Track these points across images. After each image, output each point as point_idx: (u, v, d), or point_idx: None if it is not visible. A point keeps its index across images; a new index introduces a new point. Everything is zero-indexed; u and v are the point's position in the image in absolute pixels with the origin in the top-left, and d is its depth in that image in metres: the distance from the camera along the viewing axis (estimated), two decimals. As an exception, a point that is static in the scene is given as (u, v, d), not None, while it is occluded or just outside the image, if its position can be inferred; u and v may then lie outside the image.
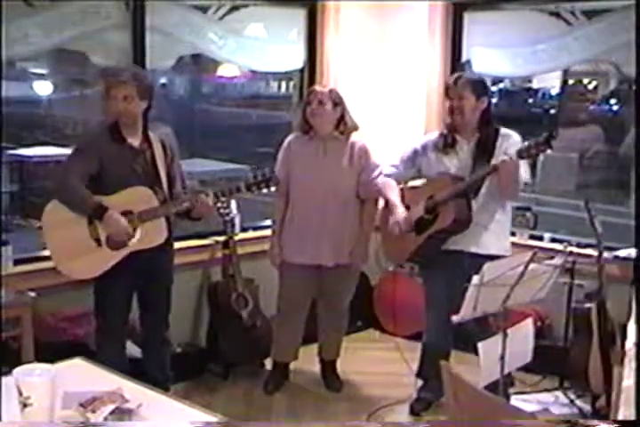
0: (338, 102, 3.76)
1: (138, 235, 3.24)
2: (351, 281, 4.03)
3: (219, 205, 3.72)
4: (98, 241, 3.25)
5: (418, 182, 3.74)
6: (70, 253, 3.25)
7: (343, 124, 3.79)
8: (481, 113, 3.50)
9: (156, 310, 3.54)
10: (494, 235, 3.55)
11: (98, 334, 3.48)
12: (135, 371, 3.16)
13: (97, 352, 3.43)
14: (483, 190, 3.47)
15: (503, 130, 3.55)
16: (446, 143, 3.54)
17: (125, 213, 3.22)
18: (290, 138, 3.91)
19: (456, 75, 3.61)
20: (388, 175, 3.72)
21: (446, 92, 3.52)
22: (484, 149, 3.48)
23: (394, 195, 3.66)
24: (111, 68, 3.43)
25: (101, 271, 3.25)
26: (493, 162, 3.39)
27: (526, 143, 3.21)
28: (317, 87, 3.89)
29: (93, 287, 3.39)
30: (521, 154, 3.19)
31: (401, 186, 3.71)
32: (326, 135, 3.80)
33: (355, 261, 3.91)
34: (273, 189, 3.46)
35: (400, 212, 3.56)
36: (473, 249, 3.50)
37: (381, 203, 3.86)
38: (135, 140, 3.33)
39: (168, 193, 3.38)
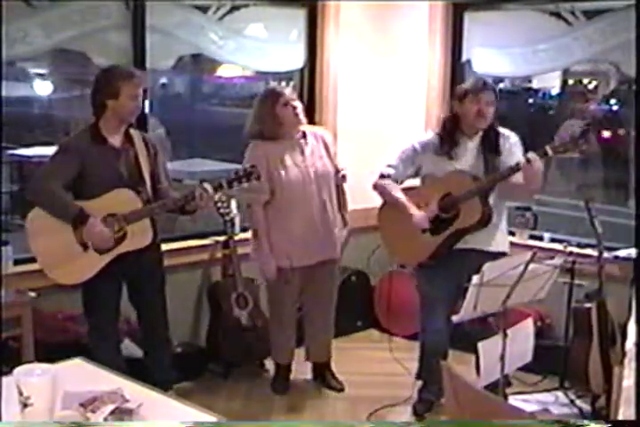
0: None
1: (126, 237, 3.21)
2: (336, 278, 4.07)
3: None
4: (84, 245, 3.21)
5: (414, 182, 3.71)
6: (57, 259, 3.21)
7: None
8: None
9: (151, 311, 3.51)
10: (502, 232, 3.62)
11: (90, 336, 3.45)
12: (136, 371, 3.17)
13: (91, 353, 3.41)
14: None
15: (501, 129, 3.56)
16: (450, 145, 3.52)
17: (110, 216, 3.18)
18: (254, 146, 3.82)
19: (479, 80, 3.55)
20: (387, 176, 3.64)
21: (472, 97, 3.42)
22: (490, 148, 3.50)
23: (399, 193, 3.60)
24: (120, 68, 3.37)
25: (90, 275, 3.21)
26: (503, 161, 3.43)
27: (552, 143, 3.22)
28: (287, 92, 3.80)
29: (81, 290, 3.35)
30: (547, 152, 3.21)
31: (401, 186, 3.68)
32: (287, 135, 3.78)
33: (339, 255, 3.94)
34: (255, 182, 3.39)
35: (416, 210, 3.52)
36: (487, 247, 3.50)
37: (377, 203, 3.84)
38: (116, 140, 3.30)
39: (152, 191, 3.36)
